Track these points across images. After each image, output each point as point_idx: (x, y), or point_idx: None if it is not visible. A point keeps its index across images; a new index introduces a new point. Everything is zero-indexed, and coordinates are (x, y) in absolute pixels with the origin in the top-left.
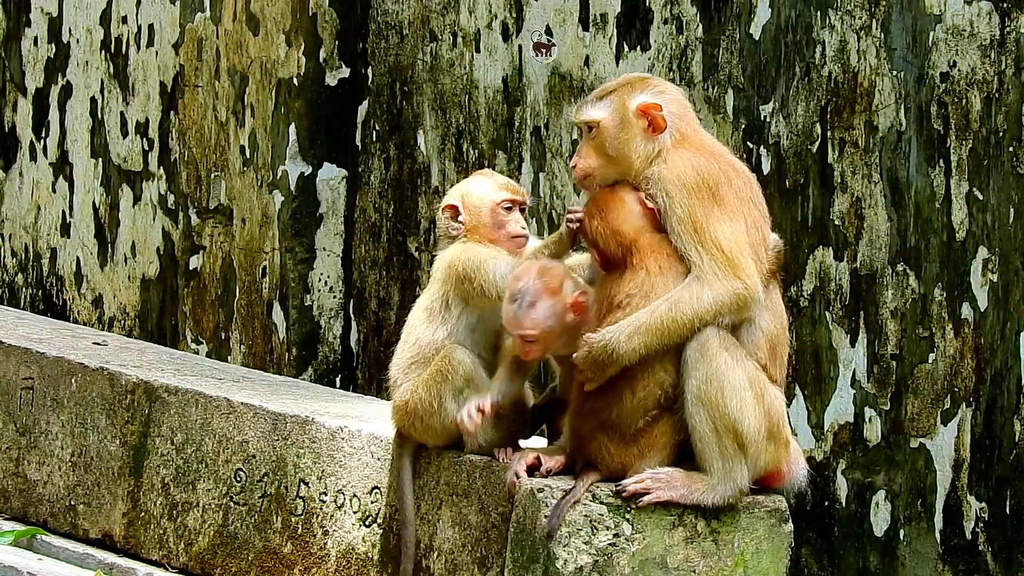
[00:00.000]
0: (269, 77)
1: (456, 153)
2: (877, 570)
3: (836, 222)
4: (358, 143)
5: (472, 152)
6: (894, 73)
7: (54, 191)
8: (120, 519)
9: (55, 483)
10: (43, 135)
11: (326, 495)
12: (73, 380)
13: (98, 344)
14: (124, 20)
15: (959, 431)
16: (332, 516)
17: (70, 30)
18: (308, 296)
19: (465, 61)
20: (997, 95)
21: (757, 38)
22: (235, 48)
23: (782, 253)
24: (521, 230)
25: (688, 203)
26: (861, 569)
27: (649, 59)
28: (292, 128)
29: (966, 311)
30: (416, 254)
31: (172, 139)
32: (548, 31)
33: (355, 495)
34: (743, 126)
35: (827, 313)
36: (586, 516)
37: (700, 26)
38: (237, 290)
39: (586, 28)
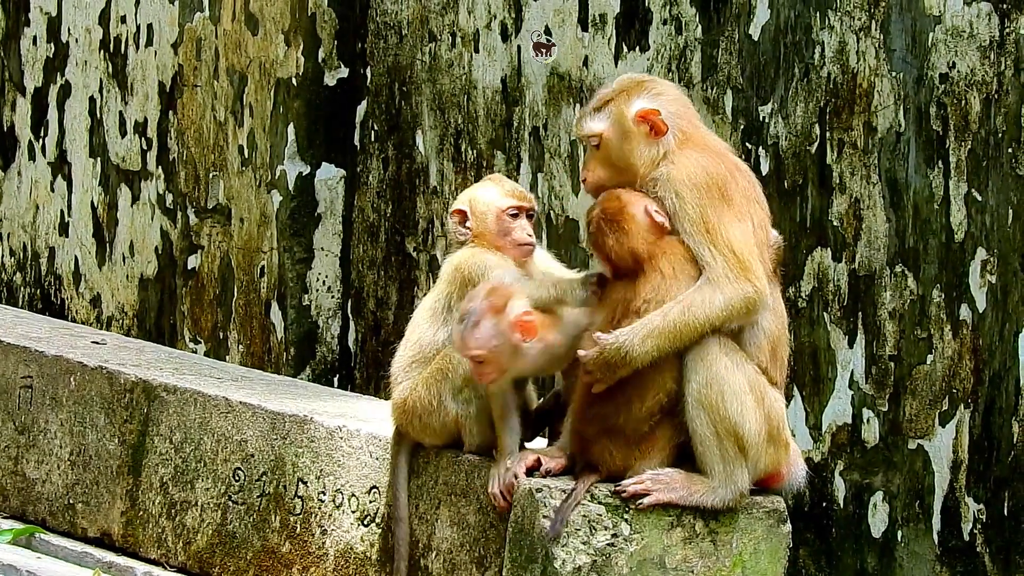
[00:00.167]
0: (268, 77)
1: (455, 153)
2: (875, 571)
3: (835, 223)
4: (357, 143)
5: (471, 152)
6: (893, 74)
7: (52, 190)
8: (119, 518)
9: (54, 482)
10: (42, 134)
11: (324, 494)
12: (72, 379)
13: (97, 343)
14: (123, 20)
15: (957, 432)
16: (330, 515)
17: (69, 29)
18: (306, 296)
19: (464, 61)
20: (996, 96)
21: (756, 39)
22: (234, 48)
23: (782, 250)
24: (527, 238)
25: (700, 203)
26: (859, 570)
27: (648, 60)
28: (291, 128)
29: (964, 312)
30: (414, 254)
31: (171, 139)
32: (547, 31)
33: (353, 494)
34: (742, 127)
35: (825, 314)
36: (584, 516)
37: (699, 27)
38: (235, 290)
39: (585, 28)
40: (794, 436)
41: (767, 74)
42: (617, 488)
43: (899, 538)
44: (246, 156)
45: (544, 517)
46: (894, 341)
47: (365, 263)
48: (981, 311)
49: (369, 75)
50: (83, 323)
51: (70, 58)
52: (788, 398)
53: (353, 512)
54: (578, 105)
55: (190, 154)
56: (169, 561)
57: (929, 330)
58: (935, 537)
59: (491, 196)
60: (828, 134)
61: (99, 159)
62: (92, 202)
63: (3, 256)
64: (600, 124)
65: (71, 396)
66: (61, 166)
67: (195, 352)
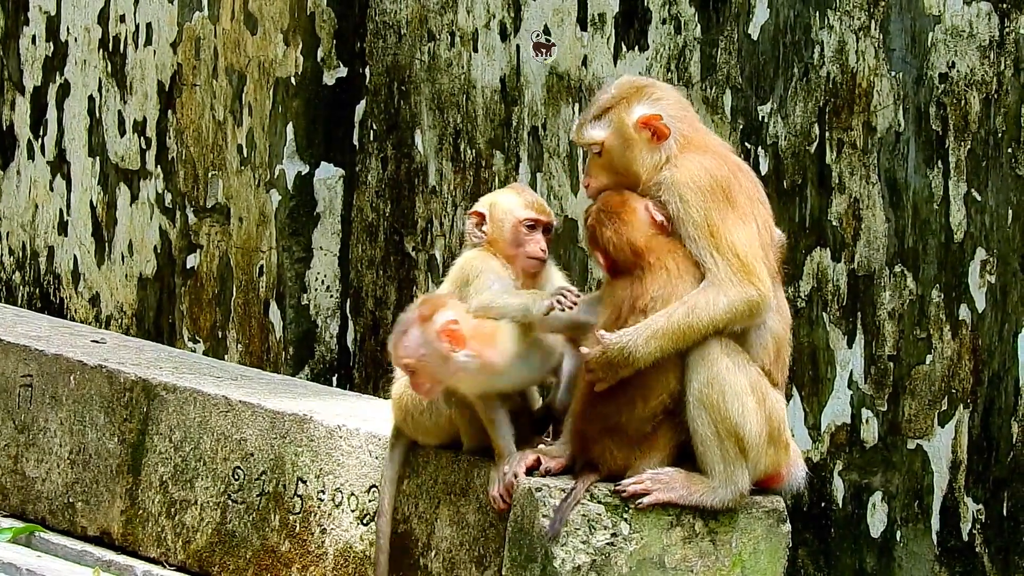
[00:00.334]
0: (267, 76)
1: (453, 153)
2: (874, 571)
3: (834, 223)
4: (355, 142)
5: (469, 152)
6: (893, 74)
7: (52, 189)
8: (118, 516)
9: (54, 480)
10: (41, 133)
11: (324, 493)
12: (72, 378)
13: (97, 342)
14: (122, 19)
15: (956, 433)
16: (330, 514)
17: (68, 29)
18: (305, 295)
19: (463, 61)
20: (996, 96)
21: (755, 38)
22: (233, 47)
23: (784, 247)
24: (539, 252)
25: (703, 207)
26: (858, 570)
27: (647, 59)
28: (290, 127)
29: (964, 312)
30: (413, 254)
31: (170, 138)
32: (546, 31)
33: (353, 493)
34: (741, 126)
35: (824, 314)
36: (584, 516)
37: (698, 26)
38: (234, 289)
39: (584, 28)
40: (793, 436)
41: (766, 74)
42: (617, 487)
43: (898, 538)
44: (245, 155)
45: (544, 516)
46: (893, 341)
47: (364, 262)
48: (980, 311)
49: (368, 74)
50: (82, 322)
51: (69, 57)
52: (787, 398)
53: (352, 511)
54: (577, 105)
55: (189, 153)
56: (168, 560)
57: (928, 330)
58: (934, 537)
59: (511, 205)
60: (827, 134)
61: (98, 158)
62: (91, 201)
63: (2, 255)
64: (601, 132)
65: (71, 395)
66: (60, 165)
67: (194, 351)
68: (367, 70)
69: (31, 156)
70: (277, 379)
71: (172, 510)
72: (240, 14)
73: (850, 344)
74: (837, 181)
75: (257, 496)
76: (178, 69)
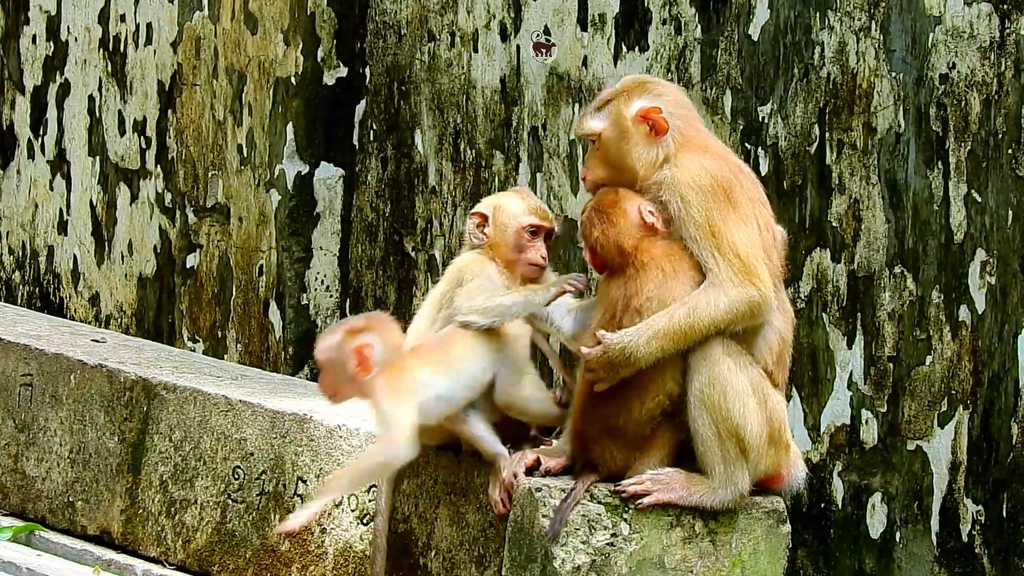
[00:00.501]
0: (267, 76)
1: (453, 153)
2: (873, 572)
3: (834, 223)
4: (355, 142)
5: (469, 152)
6: (893, 75)
7: (52, 189)
8: (118, 516)
9: (54, 479)
10: (41, 133)
11: None
12: (72, 377)
13: (97, 341)
14: (122, 19)
15: (956, 434)
16: (329, 514)
17: (68, 28)
18: (305, 295)
19: (463, 61)
20: (996, 97)
21: (756, 39)
22: (233, 47)
23: (786, 244)
24: (539, 259)
25: (705, 207)
26: (857, 571)
27: (647, 60)
28: (290, 127)
29: (964, 313)
30: (413, 254)
31: (170, 138)
32: (546, 31)
33: (353, 493)
34: (741, 127)
35: (824, 315)
36: (584, 516)
37: (699, 27)
38: (234, 289)
39: (584, 28)
40: (793, 437)
41: (766, 74)
42: (617, 488)
43: (898, 539)
44: (245, 155)
45: (543, 516)
46: (893, 342)
47: (364, 262)
48: (980, 312)
49: (368, 74)
50: (82, 322)
51: (69, 57)
52: (787, 399)
53: (352, 511)
54: (577, 105)
55: (189, 153)
56: (168, 559)
57: (928, 331)
58: (934, 538)
59: (515, 210)
60: (828, 134)
61: (98, 158)
62: (91, 201)
63: (2, 255)
64: (599, 123)
65: (71, 394)
66: (60, 165)
67: (193, 351)
68: (367, 70)
69: (31, 155)
70: (277, 379)
71: (172, 509)
72: (240, 14)
73: (850, 345)
74: (837, 182)
75: (257, 496)
76: (178, 69)
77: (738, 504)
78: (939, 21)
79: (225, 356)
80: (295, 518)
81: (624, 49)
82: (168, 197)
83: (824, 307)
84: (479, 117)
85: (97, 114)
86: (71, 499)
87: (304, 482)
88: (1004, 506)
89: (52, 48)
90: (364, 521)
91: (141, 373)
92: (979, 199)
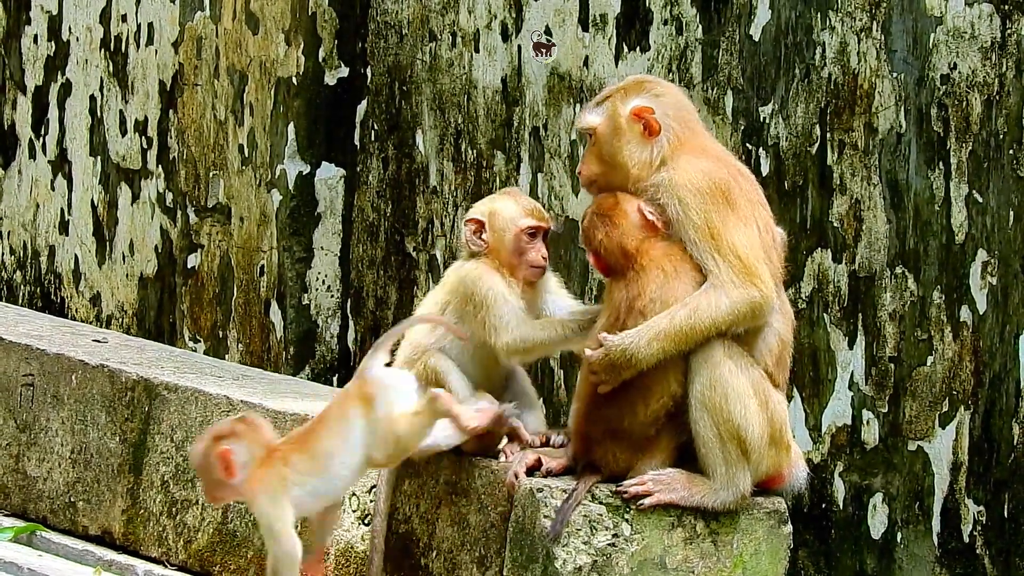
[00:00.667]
0: (268, 76)
1: (455, 153)
2: (874, 573)
3: (835, 224)
4: (357, 143)
5: (471, 152)
6: (894, 75)
7: (53, 189)
8: (120, 516)
9: (55, 480)
10: (42, 133)
11: None
12: (73, 377)
13: (98, 341)
14: (124, 19)
15: (957, 434)
16: None
17: (70, 28)
18: (306, 295)
19: (464, 61)
20: (998, 97)
21: (757, 39)
22: (234, 47)
23: (786, 246)
24: (540, 260)
25: (704, 209)
26: (858, 572)
27: (648, 60)
28: (291, 127)
29: (965, 314)
30: (414, 254)
31: (171, 138)
32: (548, 31)
33: (354, 494)
34: (742, 127)
35: (825, 315)
36: (585, 516)
37: (700, 27)
38: (235, 289)
39: (586, 28)
40: (794, 437)
41: (768, 75)
42: (618, 488)
43: (899, 540)
44: (246, 155)
45: (545, 517)
46: (894, 342)
47: (365, 263)
48: (981, 313)
49: (369, 75)
50: (83, 322)
51: (71, 57)
52: (788, 399)
53: (354, 511)
54: (578, 105)
55: (190, 153)
56: (170, 559)
57: (929, 332)
58: (935, 539)
59: (512, 213)
60: (829, 135)
61: (99, 158)
62: (92, 201)
63: (3, 254)
64: (596, 118)
65: (72, 394)
66: (61, 165)
67: (194, 351)
68: (368, 70)
69: (32, 155)
70: (278, 379)
71: (173, 510)
72: (241, 14)
73: (851, 345)
74: (838, 182)
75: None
76: (179, 69)
77: (739, 505)
78: (940, 21)
79: (226, 356)
80: None
81: (625, 49)
82: (169, 197)
83: (825, 307)
84: (480, 117)
85: (98, 114)
86: (72, 499)
87: None
88: (1005, 507)
89: (53, 48)
90: (366, 522)
91: (142, 373)
92: (980, 200)
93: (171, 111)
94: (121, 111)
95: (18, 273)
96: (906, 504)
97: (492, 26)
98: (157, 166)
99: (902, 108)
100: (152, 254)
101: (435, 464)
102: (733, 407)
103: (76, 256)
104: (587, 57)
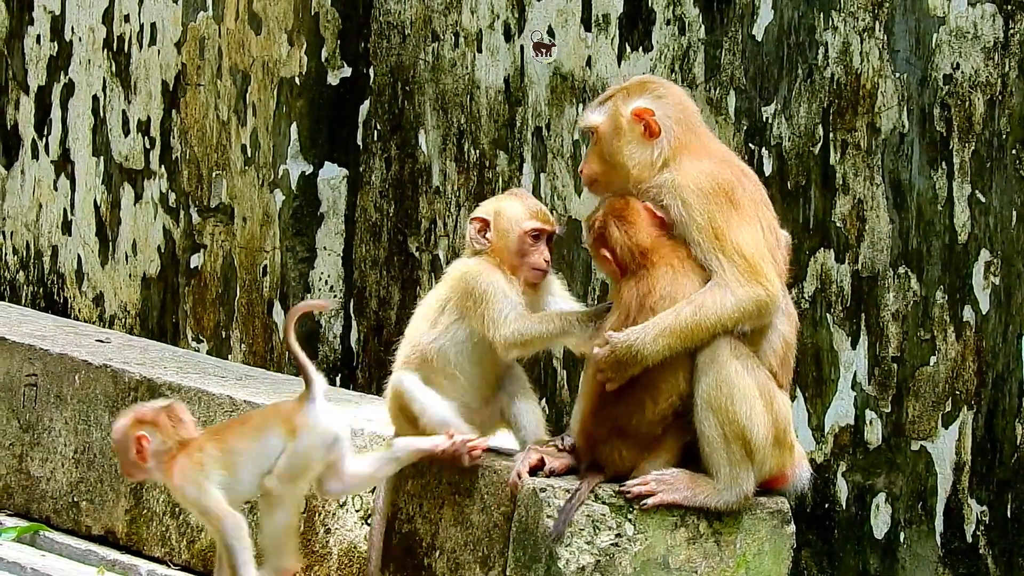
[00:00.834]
0: (271, 76)
1: (457, 153)
2: (877, 572)
3: (838, 224)
4: (359, 143)
5: (473, 152)
6: (897, 75)
7: (56, 189)
8: (123, 516)
9: (58, 480)
10: (45, 133)
11: None
12: (76, 377)
13: (101, 341)
14: (126, 19)
15: (960, 434)
16: (334, 514)
17: (73, 28)
18: (308, 295)
19: (467, 61)
20: (1000, 97)
21: (760, 39)
22: (237, 47)
23: (789, 247)
24: (543, 263)
25: (707, 210)
26: (861, 571)
27: (651, 60)
28: (293, 127)
29: (968, 314)
30: (416, 254)
31: (174, 138)
32: (550, 31)
33: (357, 493)
34: (745, 127)
35: (828, 315)
36: (588, 516)
37: (702, 27)
38: (238, 289)
39: (588, 29)
40: (797, 437)
41: (770, 75)
42: (622, 488)
43: (901, 540)
44: (249, 155)
45: (548, 517)
46: (897, 342)
47: (367, 263)
48: (984, 313)
49: (372, 75)
50: (86, 322)
51: (74, 57)
52: (791, 399)
53: (357, 511)
54: (581, 105)
55: (193, 153)
56: (173, 559)
57: (932, 332)
58: (938, 539)
59: (517, 214)
60: (831, 135)
61: (102, 158)
62: (95, 201)
63: (6, 255)
64: (598, 118)
65: (75, 394)
66: (64, 165)
67: (197, 351)
68: (371, 70)
69: (35, 155)
70: (281, 379)
71: (176, 509)
72: (244, 14)
73: (854, 345)
74: (841, 182)
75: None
76: (182, 69)
77: (742, 505)
78: (943, 22)
79: (229, 356)
80: None
81: (628, 49)
82: (172, 197)
83: (828, 307)
84: (483, 117)
85: (101, 114)
86: (75, 499)
87: None
88: (1008, 506)
89: (56, 48)
90: (368, 521)
91: (145, 373)
92: (983, 200)
93: (174, 111)
94: (124, 111)
95: (21, 273)
96: (909, 504)
97: (495, 26)
98: (160, 166)
99: (905, 108)
100: (155, 254)
101: (438, 464)
102: (739, 408)
103: (79, 256)
104: (590, 57)
